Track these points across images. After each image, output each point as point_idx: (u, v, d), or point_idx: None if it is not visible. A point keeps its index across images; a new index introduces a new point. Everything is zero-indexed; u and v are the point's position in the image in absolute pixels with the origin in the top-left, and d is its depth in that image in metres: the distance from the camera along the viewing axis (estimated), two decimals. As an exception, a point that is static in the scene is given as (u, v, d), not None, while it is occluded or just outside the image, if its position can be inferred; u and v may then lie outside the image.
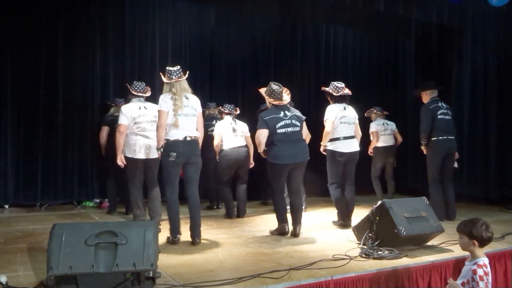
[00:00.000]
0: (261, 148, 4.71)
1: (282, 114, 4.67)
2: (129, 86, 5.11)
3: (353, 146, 5.26)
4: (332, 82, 5.38)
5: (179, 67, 4.33)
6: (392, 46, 8.96)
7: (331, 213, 5.57)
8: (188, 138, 4.23)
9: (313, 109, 7.97)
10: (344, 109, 5.27)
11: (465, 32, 7.49)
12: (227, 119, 5.96)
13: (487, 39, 7.25)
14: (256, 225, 5.34)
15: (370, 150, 6.86)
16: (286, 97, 4.80)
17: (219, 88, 7.53)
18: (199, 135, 4.39)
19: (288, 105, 4.84)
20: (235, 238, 4.60)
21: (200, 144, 4.42)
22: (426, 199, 4.49)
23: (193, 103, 4.35)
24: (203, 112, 6.60)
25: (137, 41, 6.92)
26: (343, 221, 5.19)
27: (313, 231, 4.98)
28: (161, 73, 4.51)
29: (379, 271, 3.52)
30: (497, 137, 7.12)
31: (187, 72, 4.43)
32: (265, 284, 3.14)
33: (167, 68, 4.35)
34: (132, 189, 4.89)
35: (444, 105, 5.75)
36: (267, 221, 5.50)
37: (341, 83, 5.34)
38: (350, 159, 5.24)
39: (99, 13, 6.67)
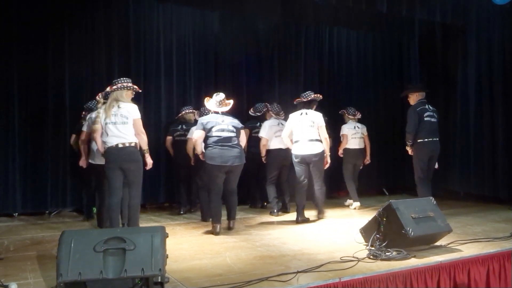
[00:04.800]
0: (198, 149, 5.13)
1: (220, 119, 5.06)
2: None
3: (308, 149, 5.55)
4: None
5: (123, 79, 4.52)
6: (396, 47, 8.94)
7: (336, 215, 5.55)
8: (120, 145, 4.36)
9: (317, 110, 7.96)
10: (301, 114, 5.66)
11: (469, 31, 7.47)
12: None
13: (492, 37, 7.22)
14: (263, 228, 5.34)
15: (340, 151, 6.91)
16: (226, 107, 5.15)
17: (224, 91, 7.50)
18: (143, 141, 4.49)
19: (227, 114, 5.16)
20: (243, 242, 4.61)
21: (141, 147, 4.51)
22: (433, 199, 4.47)
23: (123, 111, 4.40)
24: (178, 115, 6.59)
25: (142, 46, 6.97)
26: (301, 217, 5.59)
27: (320, 233, 4.99)
28: (109, 86, 4.66)
29: (388, 272, 3.51)
30: (504, 136, 7.07)
31: (128, 82, 4.50)
32: (273, 287, 3.14)
33: (113, 80, 4.58)
34: (105, 198, 4.86)
35: (431, 108, 5.81)
36: (274, 225, 5.53)
37: (308, 92, 5.82)
38: (306, 161, 5.57)
39: (104, 19, 6.70)
